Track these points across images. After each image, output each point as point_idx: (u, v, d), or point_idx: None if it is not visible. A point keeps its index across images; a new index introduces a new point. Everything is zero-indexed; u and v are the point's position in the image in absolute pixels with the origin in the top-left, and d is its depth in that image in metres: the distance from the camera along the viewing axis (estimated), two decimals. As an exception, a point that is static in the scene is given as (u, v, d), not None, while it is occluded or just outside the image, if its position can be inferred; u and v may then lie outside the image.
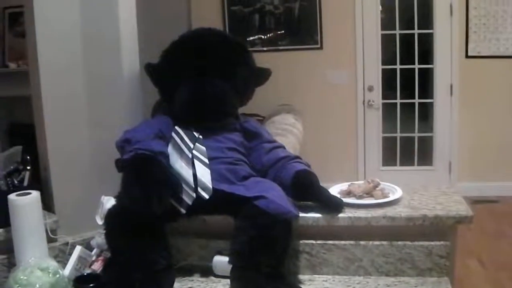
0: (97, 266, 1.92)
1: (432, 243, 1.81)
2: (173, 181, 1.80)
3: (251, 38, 5.32)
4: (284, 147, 2.11)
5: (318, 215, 1.88)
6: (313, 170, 1.97)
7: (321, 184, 1.92)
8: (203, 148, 1.94)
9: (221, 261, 1.86)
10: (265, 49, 5.30)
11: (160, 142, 1.92)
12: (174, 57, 2.10)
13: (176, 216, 1.84)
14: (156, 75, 2.13)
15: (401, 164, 5.50)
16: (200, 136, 1.98)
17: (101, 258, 1.95)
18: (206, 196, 1.82)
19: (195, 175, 1.85)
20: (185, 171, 1.85)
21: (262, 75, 2.15)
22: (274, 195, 1.79)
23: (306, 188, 1.90)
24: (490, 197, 5.14)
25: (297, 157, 2.03)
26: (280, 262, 1.76)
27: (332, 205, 1.88)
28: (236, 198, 1.81)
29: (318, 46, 5.26)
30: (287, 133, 3.59)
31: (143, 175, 1.72)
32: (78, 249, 1.96)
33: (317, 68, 5.25)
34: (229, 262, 1.77)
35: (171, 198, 1.78)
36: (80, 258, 1.94)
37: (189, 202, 1.81)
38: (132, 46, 2.29)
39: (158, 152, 1.84)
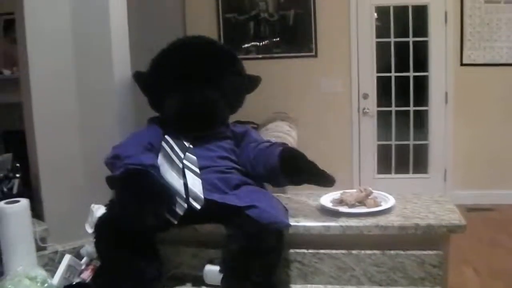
0: (87, 275, 1.91)
1: (425, 252, 1.80)
2: (168, 193, 1.76)
3: (246, 45, 5.32)
4: (269, 141, 2.09)
5: (310, 223, 1.87)
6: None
7: (313, 185, 1.89)
8: (194, 157, 1.92)
9: (212, 270, 1.84)
10: (260, 56, 5.30)
11: (150, 155, 1.89)
12: (162, 66, 2.08)
13: (168, 226, 1.81)
14: (144, 83, 2.11)
15: (396, 172, 5.49)
16: (191, 146, 1.95)
17: (90, 267, 1.94)
18: (198, 206, 1.80)
19: (186, 185, 1.83)
20: (176, 181, 1.83)
21: (252, 82, 2.13)
22: (266, 205, 1.77)
23: (294, 159, 1.87)
24: (485, 205, 5.13)
25: (283, 143, 2.01)
26: (272, 272, 1.75)
27: (325, 178, 1.86)
28: (227, 207, 1.79)
29: (313, 53, 5.25)
30: (282, 141, 3.58)
31: (137, 191, 1.69)
32: (67, 257, 1.95)
33: (312, 76, 5.25)
34: (220, 271, 1.75)
35: (166, 211, 1.75)
36: (69, 267, 1.92)
37: (181, 212, 1.79)
38: (124, 54, 2.29)
39: (149, 165, 1.81)
